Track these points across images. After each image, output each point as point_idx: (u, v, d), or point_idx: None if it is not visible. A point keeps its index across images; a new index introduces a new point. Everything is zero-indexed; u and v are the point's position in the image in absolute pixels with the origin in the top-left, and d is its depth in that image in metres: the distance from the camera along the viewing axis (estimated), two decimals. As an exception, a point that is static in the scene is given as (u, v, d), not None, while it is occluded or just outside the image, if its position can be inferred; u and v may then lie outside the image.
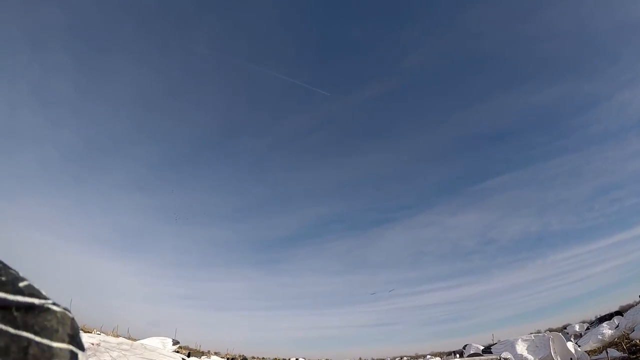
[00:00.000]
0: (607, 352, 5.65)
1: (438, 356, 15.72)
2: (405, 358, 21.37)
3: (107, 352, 2.05)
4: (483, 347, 4.74)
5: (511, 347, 3.90)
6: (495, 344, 4.40)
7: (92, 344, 1.92)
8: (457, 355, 12.23)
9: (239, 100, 67.21)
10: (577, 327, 11.25)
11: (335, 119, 71.50)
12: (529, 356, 3.91)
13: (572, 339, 7.42)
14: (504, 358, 3.07)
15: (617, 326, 4.78)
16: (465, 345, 15.10)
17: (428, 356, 13.79)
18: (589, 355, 5.60)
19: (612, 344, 5.54)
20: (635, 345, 5.92)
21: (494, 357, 3.27)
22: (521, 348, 3.98)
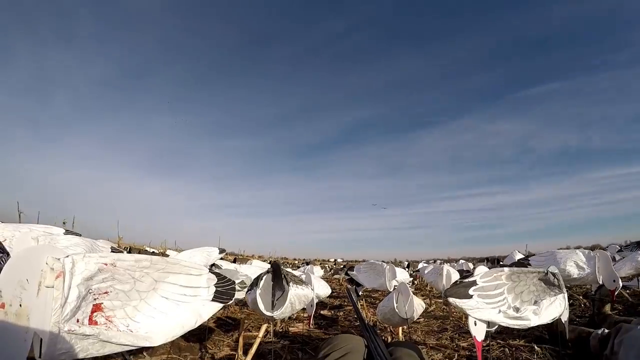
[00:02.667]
0: (638, 280, 4.67)
1: (470, 261, 15.06)
2: (438, 261, 21.16)
3: (127, 272, 1.32)
4: (520, 259, 3.91)
5: (552, 260, 3.10)
6: (534, 255, 3.57)
7: (106, 265, 1.22)
8: (489, 263, 11.22)
9: (268, 8, 61.88)
10: (611, 249, 9.76)
11: (371, 20, 64.38)
12: (572, 271, 3.07)
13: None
14: (551, 272, 2.37)
15: None
16: (512, 252, 13.93)
17: (461, 261, 12.95)
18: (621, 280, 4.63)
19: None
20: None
21: (541, 269, 2.57)
22: (563, 262, 3.16)
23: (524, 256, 3.90)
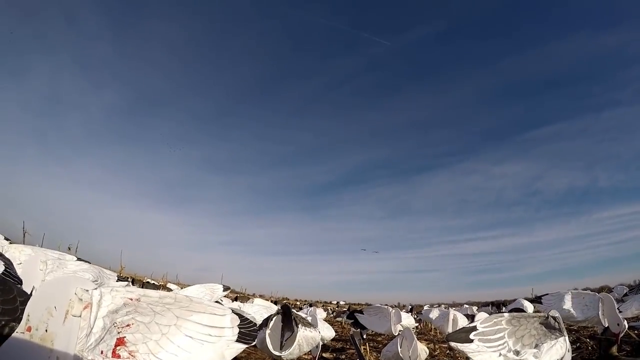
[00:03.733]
0: None
1: (475, 305, 14.75)
2: (443, 305, 20.73)
3: (150, 307, 1.43)
4: (535, 297, 3.95)
5: (560, 300, 3.16)
6: (547, 294, 3.63)
7: (131, 300, 1.31)
8: (495, 308, 11.00)
9: (280, 48, 64.98)
10: (618, 290, 9.68)
11: (380, 63, 67.20)
12: (576, 313, 3.12)
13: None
14: (552, 316, 2.38)
15: None
16: (517, 299, 13.67)
17: (465, 305, 12.71)
18: (627, 321, 4.56)
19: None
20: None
21: (542, 314, 2.59)
22: (569, 304, 3.21)
23: (532, 307, 3.99)
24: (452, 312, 4.63)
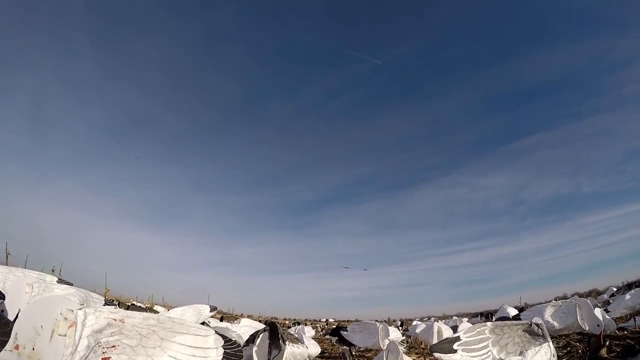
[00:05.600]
0: (634, 320, 4.73)
1: (465, 316, 14.89)
2: (432, 318, 20.74)
3: (135, 329, 1.39)
4: (514, 315, 3.99)
5: (539, 313, 3.19)
6: (525, 309, 3.68)
7: (115, 320, 1.28)
8: (484, 318, 11.03)
9: (264, 65, 65.60)
10: (608, 292, 10.04)
11: (364, 79, 68.53)
12: (555, 323, 3.17)
13: (598, 305, 6.31)
14: (535, 323, 2.43)
15: None
16: (501, 306, 13.77)
17: (455, 317, 12.73)
18: (616, 322, 4.65)
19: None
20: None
21: (524, 322, 2.65)
22: (547, 315, 3.24)
23: (517, 312, 4.06)
24: (437, 324, 4.67)
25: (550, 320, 3.42)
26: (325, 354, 7.66)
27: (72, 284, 3.29)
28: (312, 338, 8.36)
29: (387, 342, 4.94)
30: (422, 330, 5.04)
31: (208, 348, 1.81)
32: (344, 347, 5.69)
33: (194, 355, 1.73)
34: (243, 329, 4.46)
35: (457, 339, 2.35)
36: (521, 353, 2.41)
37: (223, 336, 1.95)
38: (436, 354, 2.26)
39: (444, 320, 17.98)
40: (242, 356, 1.96)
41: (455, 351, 2.27)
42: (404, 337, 6.03)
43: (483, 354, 2.31)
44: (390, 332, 5.72)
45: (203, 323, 5.75)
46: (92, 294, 3.27)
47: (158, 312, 4.99)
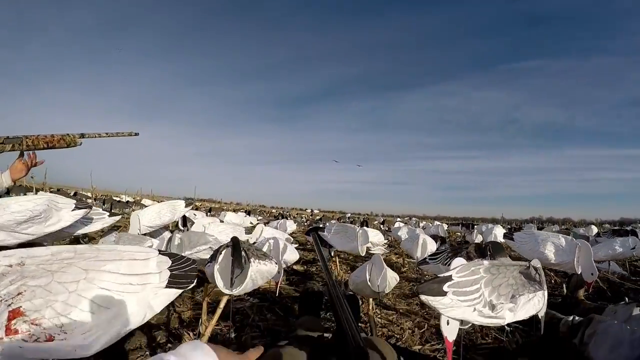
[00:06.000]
0: (609, 264, 4.84)
1: (445, 221, 15.61)
2: (414, 218, 21.62)
3: (42, 267, 1.01)
4: (504, 233, 3.77)
5: (534, 240, 3.06)
6: (520, 231, 3.46)
7: (11, 266, 0.90)
8: (464, 228, 11.02)
9: None
10: (590, 230, 10.04)
11: None
12: (551, 256, 3.08)
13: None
14: (533, 266, 2.35)
15: (634, 248, 3.90)
16: (475, 224, 13.06)
17: (436, 222, 13.16)
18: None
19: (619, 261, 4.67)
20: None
21: (523, 263, 2.56)
22: (544, 245, 3.12)
23: (506, 230, 3.86)
24: (422, 235, 4.51)
25: (546, 252, 3.24)
26: (308, 246, 7.76)
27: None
28: (294, 233, 8.42)
29: (366, 247, 4.88)
30: (405, 240, 4.95)
31: (148, 273, 1.54)
32: (315, 236, 5.65)
33: (130, 284, 1.44)
34: (221, 227, 4.30)
35: (449, 278, 2.10)
36: (513, 297, 2.19)
37: (171, 254, 1.70)
38: (423, 297, 2.02)
39: (423, 224, 18.65)
40: (193, 276, 1.72)
41: (445, 293, 2.03)
42: (386, 240, 6.04)
43: (474, 299, 2.09)
44: (371, 235, 5.69)
45: (184, 218, 5.63)
46: (58, 199, 2.82)
47: (146, 206, 4.72)
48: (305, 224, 15.07)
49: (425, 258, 3.73)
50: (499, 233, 6.00)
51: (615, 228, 5.84)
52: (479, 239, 7.40)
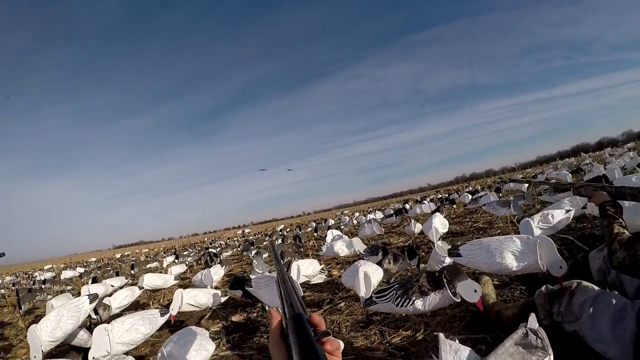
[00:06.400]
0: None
1: (375, 203, 15.71)
2: (345, 211, 21.50)
3: None
4: (450, 248, 3.39)
5: (485, 250, 2.78)
6: (465, 244, 3.08)
7: None
8: (398, 217, 10.38)
9: None
10: (522, 187, 10.31)
11: None
12: (510, 264, 2.84)
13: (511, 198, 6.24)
14: (530, 329, 2.00)
15: (585, 207, 3.98)
16: (407, 207, 12.85)
17: (369, 217, 12.82)
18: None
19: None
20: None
21: (517, 333, 2.22)
22: (498, 253, 2.84)
23: (449, 248, 3.22)
24: (362, 268, 3.68)
25: (505, 261, 2.68)
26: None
27: None
28: (228, 273, 7.07)
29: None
30: (345, 276, 4.09)
31: None
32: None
33: None
34: (129, 325, 3.10)
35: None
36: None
37: None
38: None
39: (357, 214, 18.32)
40: None
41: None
42: (322, 268, 5.24)
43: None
44: (304, 269, 4.84)
45: (96, 312, 4.37)
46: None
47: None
48: (239, 248, 13.76)
49: (372, 297, 3.02)
50: (438, 224, 5.48)
51: (553, 182, 5.61)
52: (418, 228, 6.97)
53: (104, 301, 4.61)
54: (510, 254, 2.79)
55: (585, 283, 2.11)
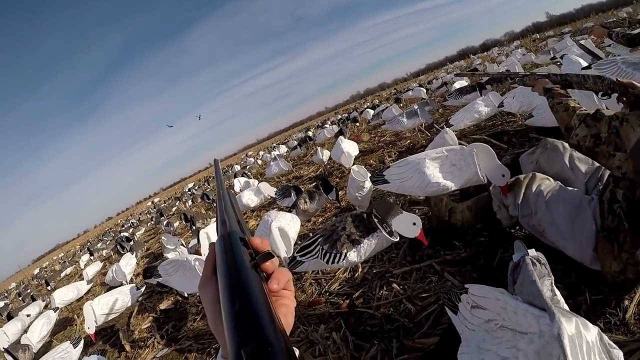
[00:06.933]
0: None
1: (283, 144, 14.89)
2: (249, 152, 20.63)
3: None
4: (371, 175, 2.95)
5: (416, 171, 2.37)
6: (389, 167, 2.75)
7: None
8: (303, 148, 9.67)
9: None
10: (420, 92, 10.19)
11: None
12: (447, 182, 2.53)
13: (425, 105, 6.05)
14: (532, 258, 1.73)
15: (502, 105, 3.82)
16: (307, 136, 11.60)
17: (274, 153, 12.13)
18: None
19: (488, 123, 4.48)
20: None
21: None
22: (432, 172, 2.47)
23: (372, 176, 2.68)
24: (273, 223, 2.98)
25: (442, 180, 2.20)
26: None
27: None
28: (138, 265, 5.92)
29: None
30: (258, 235, 3.43)
31: None
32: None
33: None
34: None
35: None
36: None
37: None
38: None
39: (262, 151, 17.57)
40: None
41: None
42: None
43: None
44: (212, 232, 4.14)
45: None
46: None
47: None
48: (152, 221, 12.60)
49: (295, 257, 2.42)
50: (348, 148, 4.93)
51: (461, 87, 5.22)
52: (326, 155, 6.47)
53: (22, 341, 4.05)
54: (445, 170, 2.32)
55: (541, 175, 1.99)
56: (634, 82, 1.52)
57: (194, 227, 6.33)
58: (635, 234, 1.46)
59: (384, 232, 2.09)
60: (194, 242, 5.07)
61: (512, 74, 2.37)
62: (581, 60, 3.97)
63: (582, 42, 4.77)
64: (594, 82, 1.71)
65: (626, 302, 1.53)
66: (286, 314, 0.46)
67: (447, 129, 3.27)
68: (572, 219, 1.69)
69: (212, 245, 0.50)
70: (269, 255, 0.44)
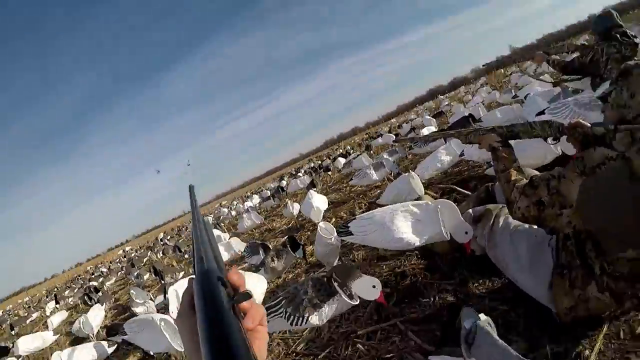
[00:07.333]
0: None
1: (256, 194, 14.81)
2: (223, 201, 20.55)
3: None
4: (339, 227, 2.91)
5: (380, 225, 2.41)
6: (353, 219, 2.64)
7: None
8: (272, 197, 9.57)
9: None
10: (387, 137, 10.41)
11: None
12: (411, 238, 2.57)
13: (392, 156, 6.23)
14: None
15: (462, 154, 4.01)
16: (280, 187, 11.75)
17: (247, 204, 11.94)
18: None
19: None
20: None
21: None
22: (396, 228, 2.51)
23: (338, 227, 2.66)
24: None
25: (404, 235, 2.16)
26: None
27: None
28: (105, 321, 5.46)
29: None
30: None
31: None
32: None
33: None
34: None
35: None
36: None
37: None
38: None
39: (236, 200, 17.37)
40: None
41: None
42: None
43: None
44: (181, 288, 3.90)
45: None
46: None
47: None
48: (122, 271, 12.15)
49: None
50: (318, 202, 4.89)
51: (439, 132, 5.38)
52: (296, 209, 6.46)
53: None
54: (409, 225, 2.31)
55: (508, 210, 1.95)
56: (580, 121, 1.56)
57: (162, 282, 6.19)
58: (587, 270, 1.48)
59: (344, 296, 2.12)
60: (160, 298, 4.98)
61: (455, 133, 2.35)
62: (540, 102, 4.02)
63: (526, 68, 4.97)
64: (542, 128, 1.74)
65: (587, 352, 1.52)
66: (260, 347, 0.48)
67: (413, 173, 3.30)
68: (533, 256, 1.70)
69: (190, 280, 0.51)
70: (247, 296, 0.45)
